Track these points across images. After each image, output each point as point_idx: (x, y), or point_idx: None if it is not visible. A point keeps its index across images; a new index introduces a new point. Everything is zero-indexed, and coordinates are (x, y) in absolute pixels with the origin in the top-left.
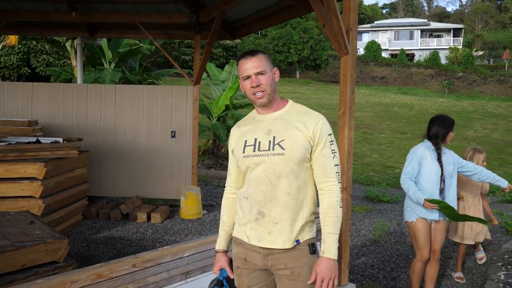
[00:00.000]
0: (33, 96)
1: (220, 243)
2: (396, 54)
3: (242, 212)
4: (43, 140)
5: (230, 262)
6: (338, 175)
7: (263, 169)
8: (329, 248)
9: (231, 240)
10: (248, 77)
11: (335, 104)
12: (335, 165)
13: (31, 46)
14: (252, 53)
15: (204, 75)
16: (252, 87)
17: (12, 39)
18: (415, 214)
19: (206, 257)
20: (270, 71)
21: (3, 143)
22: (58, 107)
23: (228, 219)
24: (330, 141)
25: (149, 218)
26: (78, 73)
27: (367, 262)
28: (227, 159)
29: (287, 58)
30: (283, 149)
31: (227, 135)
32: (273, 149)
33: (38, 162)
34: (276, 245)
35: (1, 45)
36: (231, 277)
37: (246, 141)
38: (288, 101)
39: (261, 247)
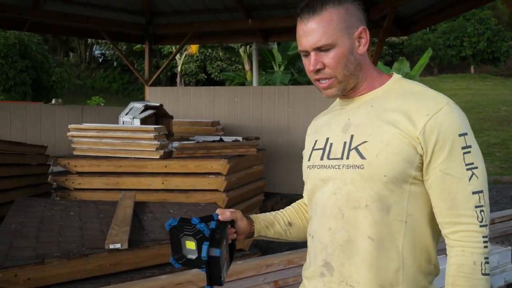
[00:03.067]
0: (215, 99)
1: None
2: None
3: (308, 257)
4: (226, 138)
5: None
6: (481, 211)
7: (333, 191)
8: None
9: (267, 224)
10: (306, 53)
11: None
12: (473, 193)
13: (207, 54)
14: (313, 9)
15: None
16: (310, 71)
17: (193, 49)
18: None
19: None
20: (346, 38)
21: (192, 142)
22: (236, 109)
23: (284, 212)
24: (463, 148)
25: None
26: (254, 76)
27: None
28: None
29: (459, 52)
30: (362, 158)
31: None
32: (347, 157)
33: (222, 159)
34: None
35: (184, 55)
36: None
37: (316, 141)
38: (392, 76)
39: None
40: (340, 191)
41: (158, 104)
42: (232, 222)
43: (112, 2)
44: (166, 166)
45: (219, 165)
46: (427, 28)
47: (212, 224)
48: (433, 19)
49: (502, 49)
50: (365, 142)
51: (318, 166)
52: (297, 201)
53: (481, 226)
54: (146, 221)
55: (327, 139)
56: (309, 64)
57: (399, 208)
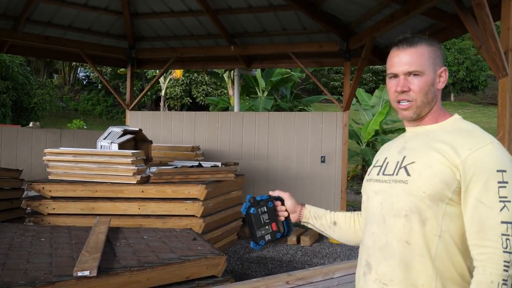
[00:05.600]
0: (196, 124)
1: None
2: None
3: (359, 263)
4: (204, 164)
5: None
6: (507, 239)
7: (380, 201)
8: None
9: (315, 215)
10: (395, 75)
11: (495, 127)
12: (502, 222)
13: (193, 78)
14: (410, 42)
15: (354, 100)
16: (397, 91)
17: (178, 73)
18: None
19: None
20: (431, 72)
21: (170, 167)
22: (217, 134)
23: (336, 213)
24: (500, 182)
25: (299, 241)
26: (235, 102)
27: None
28: None
29: None
30: (408, 175)
31: None
32: (397, 174)
33: (200, 184)
34: None
35: (169, 78)
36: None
37: (377, 160)
38: (452, 116)
39: None
40: (386, 201)
41: (137, 129)
42: (282, 200)
43: (94, 26)
44: (143, 191)
45: (197, 191)
46: None
47: (265, 196)
48: None
49: (480, 79)
50: (413, 162)
51: (374, 180)
52: (356, 211)
53: (504, 251)
54: (119, 247)
55: (386, 158)
56: (397, 85)
57: (434, 223)
